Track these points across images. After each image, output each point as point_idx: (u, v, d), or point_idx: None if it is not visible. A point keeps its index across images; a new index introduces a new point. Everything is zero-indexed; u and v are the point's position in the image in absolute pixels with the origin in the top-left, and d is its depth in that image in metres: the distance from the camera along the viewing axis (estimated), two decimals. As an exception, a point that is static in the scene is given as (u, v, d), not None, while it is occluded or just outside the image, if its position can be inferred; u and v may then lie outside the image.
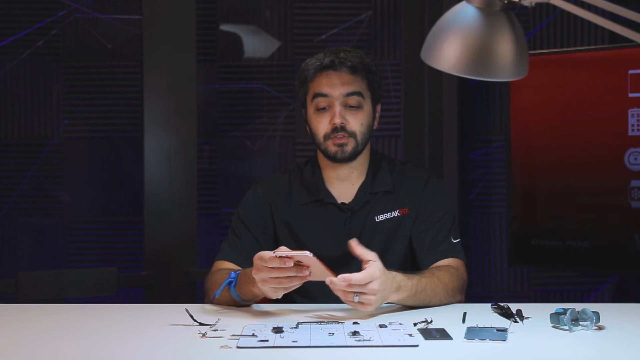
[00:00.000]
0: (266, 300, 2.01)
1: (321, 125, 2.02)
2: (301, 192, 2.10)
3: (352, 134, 2.01)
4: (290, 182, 2.13)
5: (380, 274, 1.69)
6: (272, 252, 1.68)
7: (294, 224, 2.08)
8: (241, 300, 1.84)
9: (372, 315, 1.74)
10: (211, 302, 1.93)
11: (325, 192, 2.08)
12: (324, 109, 2.02)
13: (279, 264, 1.66)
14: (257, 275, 1.71)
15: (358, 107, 2.02)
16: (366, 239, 2.05)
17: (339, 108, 2.00)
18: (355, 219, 2.06)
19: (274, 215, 2.10)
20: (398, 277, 1.77)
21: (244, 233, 2.08)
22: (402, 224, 2.06)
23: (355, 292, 1.67)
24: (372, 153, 2.13)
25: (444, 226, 2.05)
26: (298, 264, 1.68)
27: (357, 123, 2.01)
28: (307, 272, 1.69)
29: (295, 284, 1.71)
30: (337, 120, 1.99)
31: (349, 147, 2.01)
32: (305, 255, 1.65)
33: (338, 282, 1.67)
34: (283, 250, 1.68)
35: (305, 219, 2.08)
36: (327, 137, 2.02)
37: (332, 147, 2.02)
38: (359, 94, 2.02)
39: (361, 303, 1.68)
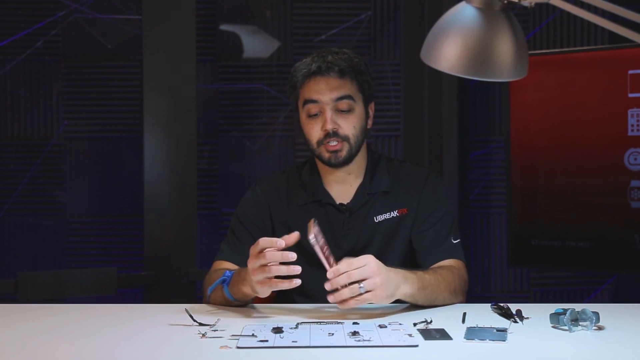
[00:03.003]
0: (264, 300, 2.01)
1: (313, 132, 2.01)
2: (299, 192, 2.10)
3: (345, 138, 1.99)
4: (288, 182, 2.12)
5: (373, 259, 1.69)
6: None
7: (293, 224, 2.07)
8: (233, 300, 1.84)
9: (372, 315, 1.73)
10: (207, 301, 1.93)
11: (324, 193, 2.08)
12: (315, 115, 2.00)
13: (270, 244, 1.67)
14: (250, 264, 1.70)
15: (349, 110, 2.00)
16: (365, 240, 2.05)
17: (329, 113, 1.98)
18: (353, 219, 2.06)
19: (273, 215, 2.09)
20: (399, 269, 1.77)
21: (242, 233, 2.08)
22: (401, 224, 2.06)
23: (358, 284, 1.65)
24: (370, 153, 2.12)
25: (444, 226, 2.05)
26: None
27: (349, 127, 2.00)
28: (298, 268, 1.67)
29: (285, 284, 1.68)
30: (329, 126, 1.97)
31: (343, 153, 2.00)
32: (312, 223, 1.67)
33: (338, 269, 1.65)
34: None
35: (304, 219, 2.06)
36: (320, 143, 2.00)
37: (325, 154, 2.01)
38: (349, 97, 1.99)
39: (369, 292, 1.66)
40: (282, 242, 1.68)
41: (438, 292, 1.85)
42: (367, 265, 1.67)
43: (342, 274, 1.66)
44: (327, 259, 1.68)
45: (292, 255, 1.67)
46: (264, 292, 1.73)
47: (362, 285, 1.65)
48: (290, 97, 2.08)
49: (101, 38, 3.46)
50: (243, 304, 1.87)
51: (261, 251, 1.68)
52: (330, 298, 1.68)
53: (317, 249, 1.67)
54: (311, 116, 2.00)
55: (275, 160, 3.51)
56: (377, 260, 1.70)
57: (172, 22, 3.20)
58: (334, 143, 1.98)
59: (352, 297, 1.66)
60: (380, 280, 1.67)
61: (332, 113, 1.98)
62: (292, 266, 1.68)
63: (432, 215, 2.05)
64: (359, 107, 2.02)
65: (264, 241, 1.69)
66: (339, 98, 1.98)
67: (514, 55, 1.50)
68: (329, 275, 1.67)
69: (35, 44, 3.45)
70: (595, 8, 1.47)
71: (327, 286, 1.67)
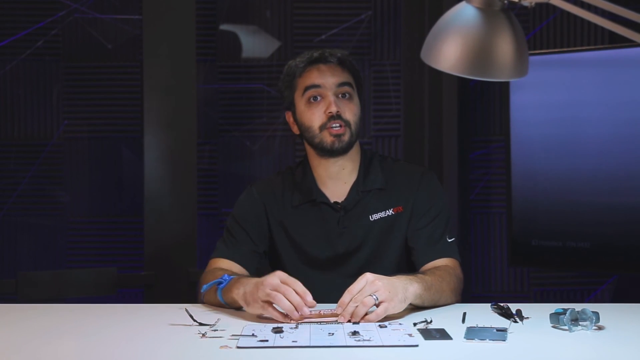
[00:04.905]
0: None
1: (315, 117, 2.01)
2: (294, 193, 2.09)
3: (347, 123, 2.00)
4: (283, 184, 2.12)
5: (370, 274, 1.69)
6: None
7: (289, 224, 2.08)
8: (224, 304, 1.84)
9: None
10: (201, 300, 1.93)
11: (318, 192, 2.08)
12: (315, 99, 2.01)
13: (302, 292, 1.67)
14: (270, 280, 1.69)
15: (350, 97, 2.02)
16: (361, 238, 2.05)
17: (332, 97, 2.00)
18: (348, 218, 2.05)
19: (269, 215, 2.10)
20: (400, 275, 1.77)
21: (239, 232, 2.08)
22: (396, 222, 2.05)
23: (370, 296, 1.65)
24: (363, 151, 2.12)
25: (439, 225, 2.05)
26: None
27: (350, 112, 2.02)
28: (290, 321, 1.67)
29: (277, 316, 1.69)
30: (334, 108, 1.99)
31: (346, 137, 2.00)
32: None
33: (343, 301, 1.66)
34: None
35: (300, 219, 2.08)
36: (323, 127, 2.00)
37: (328, 138, 2.00)
38: (349, 84, 2.03)
39: (383, 303, 1.65)
40: (311, 302, 1.68)
41: (441, 293, 1.86)
42: (367, 282, 1.68)
43: (349, 303, 1.66)
44: (324, 313, 1.70)
45: (305, 311, 1.67)
46: (253, 309, 1.73)
47: (374, 296, 1.66)
48: (284, 93, 2.08)
49: (101, 38, 3.46)
50: (234, 308, 1.85)
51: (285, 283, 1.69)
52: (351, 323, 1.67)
53: (313, 318, 1.69)
54: (312, 102, 2.01)
55: (275, 160, 3.51)
56: (374, 274, 1.70)
57: (172, 22, 3.20)
58: (338, 126, 1.99)
59: (369, 312, 1.66)
60: (387, 288, 1.67)
61: (335, 98, 2.00)
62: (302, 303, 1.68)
63: (428, 213, 2.05)
64: (356, 97, 2.05)
65: (296, 284, 1.69)
66: (341, 84, 2.01)
67: (514, 55, 1.50)
68: (338, 311, 1.68)
69: (35, 44, 3.45)
70: (595, 8, 1.47)
71: (342, 320, 1.67)
